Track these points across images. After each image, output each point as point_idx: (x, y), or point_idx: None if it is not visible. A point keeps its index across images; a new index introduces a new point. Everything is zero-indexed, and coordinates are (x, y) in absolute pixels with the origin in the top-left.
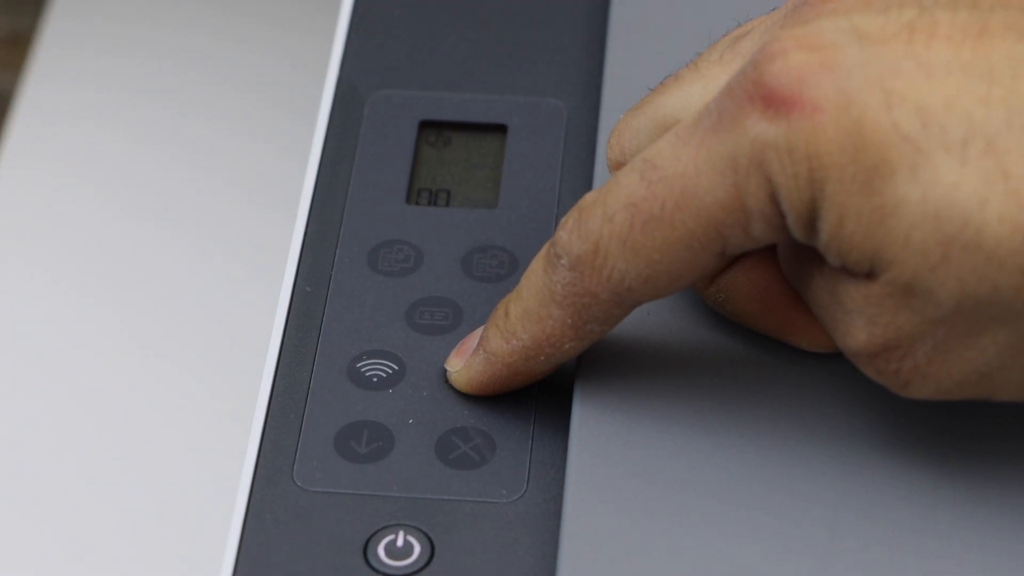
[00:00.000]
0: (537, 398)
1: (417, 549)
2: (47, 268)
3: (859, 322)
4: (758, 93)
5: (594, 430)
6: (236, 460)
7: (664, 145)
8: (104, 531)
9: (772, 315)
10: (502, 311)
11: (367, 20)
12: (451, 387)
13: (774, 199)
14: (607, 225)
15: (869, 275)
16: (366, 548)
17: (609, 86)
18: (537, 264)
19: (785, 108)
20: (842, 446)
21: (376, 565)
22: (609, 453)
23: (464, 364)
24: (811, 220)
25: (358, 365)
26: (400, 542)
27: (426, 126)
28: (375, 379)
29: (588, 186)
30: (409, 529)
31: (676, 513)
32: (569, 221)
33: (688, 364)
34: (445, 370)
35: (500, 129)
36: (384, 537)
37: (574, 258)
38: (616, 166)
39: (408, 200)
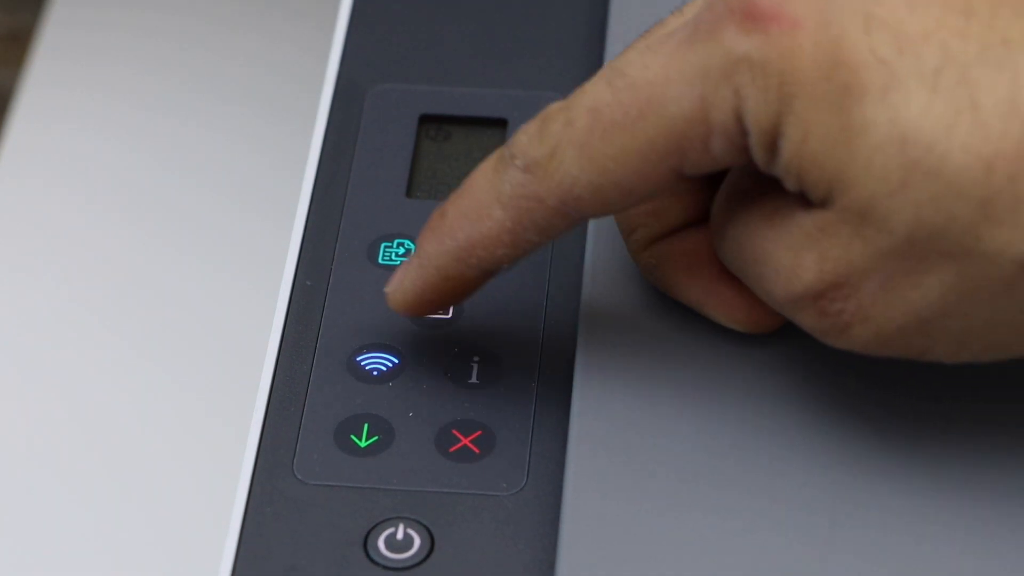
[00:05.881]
0: (537, 391)
1: (417, 542)
2: (47, 262)
3: (808, 259)
4: (739, 7)
5: (594, 423)
6: (236, 453)
7: (634, 54)
8: (105, 524)
9: (697, 285)
10: (439, 213)
11: (367, 14)
12: (448, 379)
13: (739, 114)
14: (567, 129)
15: (824, 202)
16: (366, 541)
17: None
18: (486, 165)
19: (764, 22)
20: (840, 438)
21: (376, 558)
22: (608, 446)
23: (398, 276)
24: (774, 138)
25: (358, 358)
26: (400, 535)
27: (426, 120)
28: (375, 372)
29: None
30: (409, 522)
31: (676, 505)
32: (531, 126)
33: (687, 358)
34: (441, 362)
35: (500, 123)
36: (384, 530)
37: (529, 160)
38: None
39: (408, 194)
